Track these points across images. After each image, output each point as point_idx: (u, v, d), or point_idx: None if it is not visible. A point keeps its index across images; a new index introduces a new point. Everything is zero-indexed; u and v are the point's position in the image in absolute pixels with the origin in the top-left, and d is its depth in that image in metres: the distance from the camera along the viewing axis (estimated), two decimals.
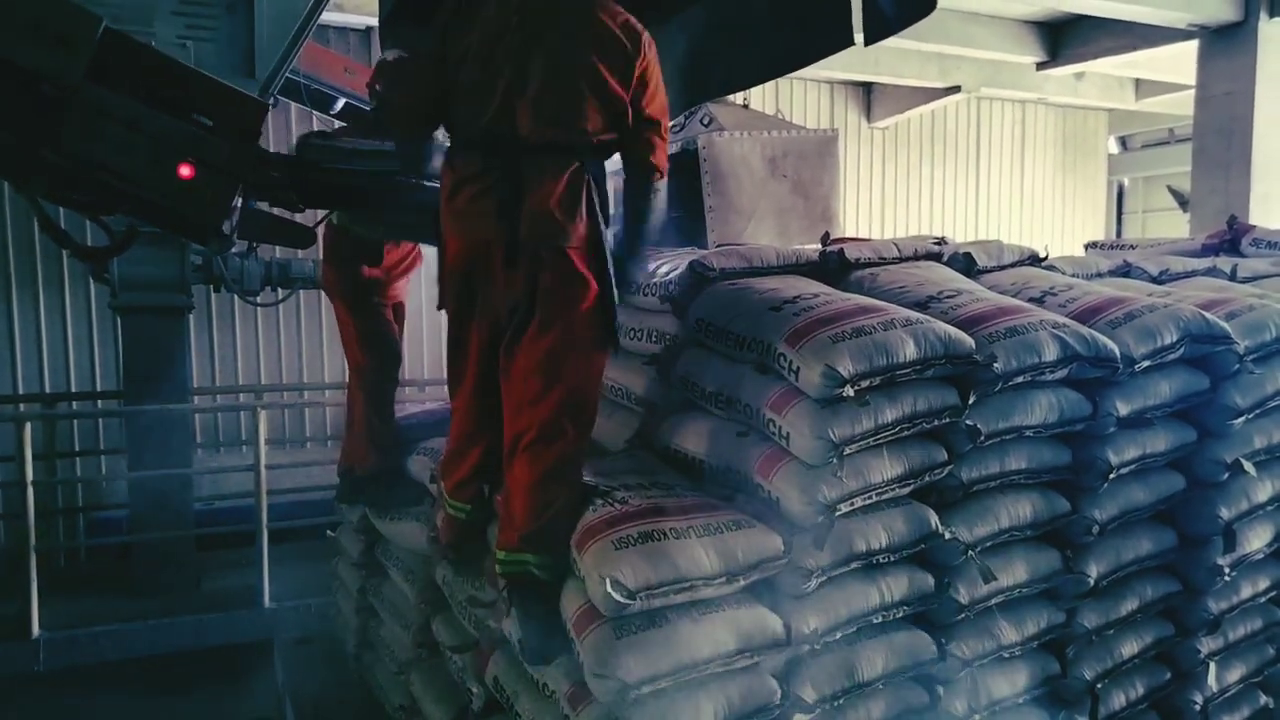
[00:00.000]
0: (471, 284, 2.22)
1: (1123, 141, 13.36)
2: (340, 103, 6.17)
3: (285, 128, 7.71)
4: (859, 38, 2.93)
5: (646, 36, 2.21)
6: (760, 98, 8.77)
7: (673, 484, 2.24)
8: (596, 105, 2.13)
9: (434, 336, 7.59)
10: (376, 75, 3.45)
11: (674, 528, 1.99)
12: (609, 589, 1.84)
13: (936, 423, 2.21)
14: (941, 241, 3.08)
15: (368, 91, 3.54)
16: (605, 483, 2.20)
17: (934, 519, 2.24)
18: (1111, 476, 2.48)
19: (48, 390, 7.23)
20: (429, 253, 3.55)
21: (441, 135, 2.44)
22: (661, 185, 2.34)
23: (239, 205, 2.43)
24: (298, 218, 3.03)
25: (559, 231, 2.11)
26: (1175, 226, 11.66)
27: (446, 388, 2.48)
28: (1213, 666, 2.80)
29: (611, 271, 2.19)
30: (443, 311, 2.38)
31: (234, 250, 5.98)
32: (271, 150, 2.76)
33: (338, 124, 6.22)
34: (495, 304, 2.19)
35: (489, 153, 2.14)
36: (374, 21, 6.75)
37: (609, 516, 2.03)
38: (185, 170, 2.21)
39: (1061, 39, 8.75)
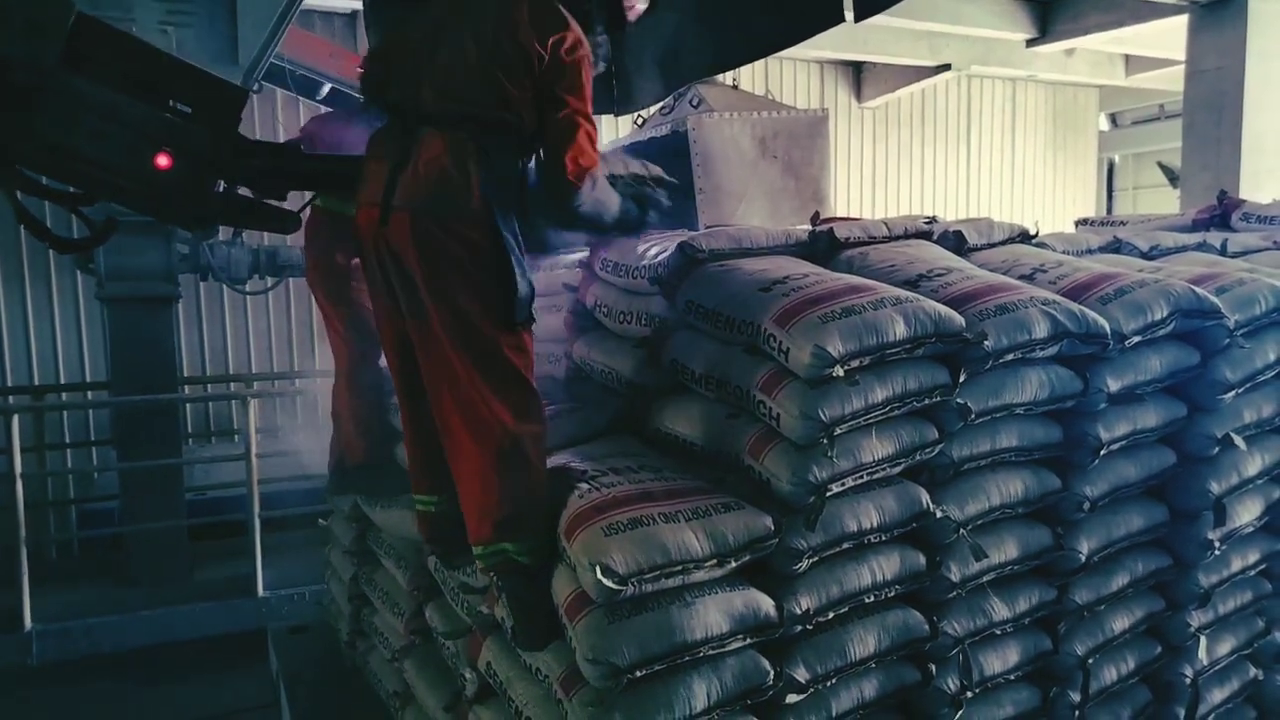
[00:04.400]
0: (366, 259, 2.18)
1: (1113, 118, 13.36)
2: (326, 88, 6.11)
3: (271, 114, 7.64)
4: (849, 15, 2.91)
5: (566, 27, 2.12)
6: (750, 78, 8.73)
7: (660, 467, 2.23)
8: (490, 78, 2.07)
9: None
10: None
11: (663, 512, 1.98)
12: (599, 576, 1.83)
13: (927, 401, 2.21)
14: (932, 220, 3.06)
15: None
16: (593, 467, 2.19)
17: (925, 498, 2.24)
18: (1102, 453, 2.48)
19: (36, 382, 7.19)
20: None
21: None
22: (583, 192, 2.19)
23: (220, 192, 2.40)
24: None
25: (434, 199, 2.04)
26: (1166, 202, 11.69)
27: None
28: (1203, 640, 2.82)
29: (511, 247, 2.07)
30: None
31: (219, 238, 5.95)
32: (256, 137, 2.74)
33: (324, 109, 6.17)
34: (387, 281, 2.13)
35: (394, 121, 2.16)
36: (359, 5, 6.68)
37: (597, 503, 2.02)
38: (163, 160, 2.17)
39: (1051, 15, 8.72)
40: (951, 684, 2.29)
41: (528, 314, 2.13)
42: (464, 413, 2.08)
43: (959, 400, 2.24)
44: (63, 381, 7.32)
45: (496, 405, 2.06)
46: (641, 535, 1.91)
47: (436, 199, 2.05)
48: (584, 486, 2.09)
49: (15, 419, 4.65)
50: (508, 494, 2.07)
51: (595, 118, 2.26)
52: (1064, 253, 3.06)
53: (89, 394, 7.20)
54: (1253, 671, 3.06)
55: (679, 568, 1.91)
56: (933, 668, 2.27)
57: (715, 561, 1.95)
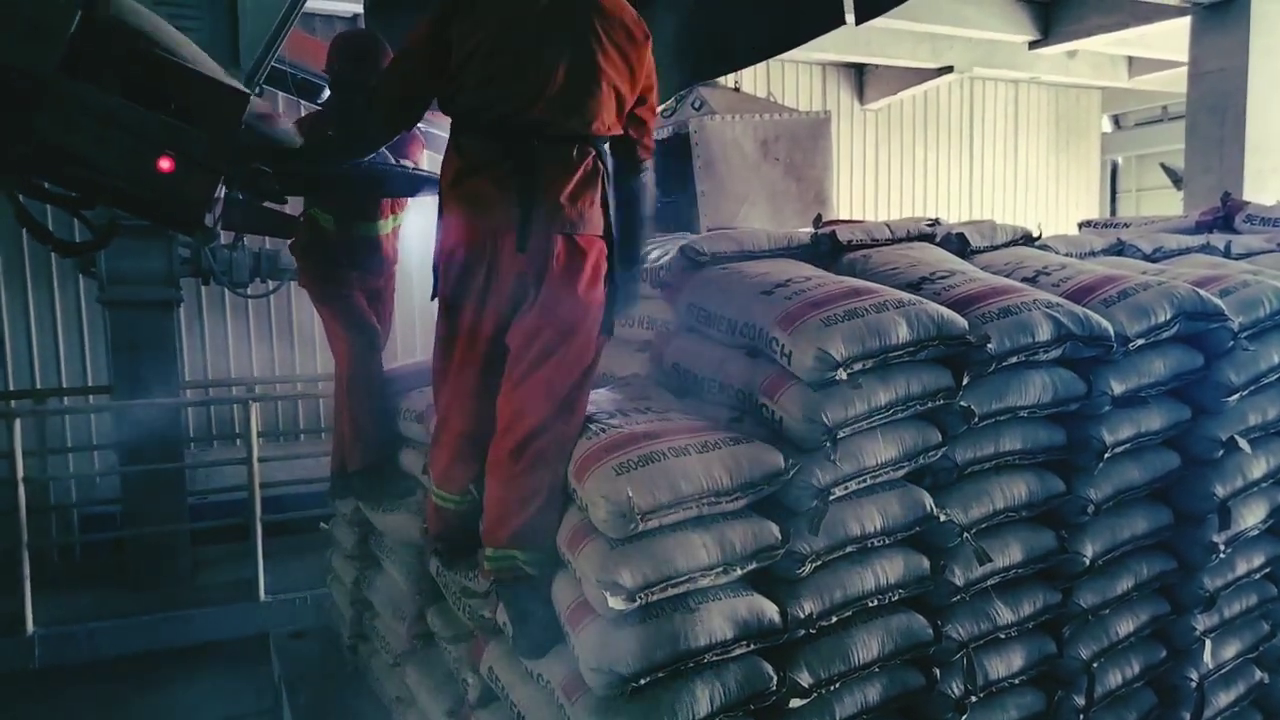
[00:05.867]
0: (472, 271, 2.19)
1: (1116, 120, 13.34)
2: (327, 91, 6.11)
3: None
4: (850, 17, 2.91)
5: (645, 29, 2.26)
6: (752, 80, 8.73)
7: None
8: (613, 98, 2.18)
9: (427, 329, 7.56)
10: (338, 55, 3.34)
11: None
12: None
13: (930, 404, 2.20)
14: (935, 223, 3.06)
15: (327, 70, 3.45)
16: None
17: (929, 501, 2.23)
18: (1106, 456, 2.47)
19: (38, 386, 7.19)
20: (411, 243, 3.53)
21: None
22: (650, 165, 2.40)
23: (221, 196, 2.40)
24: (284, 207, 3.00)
25: (574, 220, 2.14)
26: (1169, 204, 11.67)
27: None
28: (1208, 643, 2.80)
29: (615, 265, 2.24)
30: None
31: (220, 242, 5.96)
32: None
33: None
34: (499, 292, 2.17)
35: (507, 140, 2.14)
36: (360, 8, 6.68)
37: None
38: (165, 163, 2.17)
39: (1054, 17, 8.71)
40: (956, 688, 2.28)
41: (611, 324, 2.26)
42: (533, 415, 2.11)
43: (962, 403, 2.23)
44: (65, 385, 7.32)
45: (568, 414, 2.13)
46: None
47: (582, 221, 2.14)
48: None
49: (17, 423, 4.65)
50: (534, 500, 2.10)
51: None
52: (1067, 255, 3.05)
53: (91, 398, 7.20)
54: (1258, 675, 3.04)
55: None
56: (937, 672, 2.26)
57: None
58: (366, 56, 3.28)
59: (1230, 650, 2.92)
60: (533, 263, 2.12)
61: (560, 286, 2.12)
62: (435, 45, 2.16)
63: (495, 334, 2.22)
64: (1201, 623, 2.78)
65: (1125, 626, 2.64)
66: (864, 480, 2.13)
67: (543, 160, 2.11)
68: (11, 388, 7.11)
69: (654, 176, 2.42)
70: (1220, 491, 2.67)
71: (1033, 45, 8.94)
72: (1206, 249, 3.40)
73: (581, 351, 2.16)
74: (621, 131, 2.25)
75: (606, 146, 2.24)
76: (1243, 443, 2.68)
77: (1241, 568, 2.85)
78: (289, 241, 3.36)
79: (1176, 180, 11.26)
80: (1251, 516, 2.80)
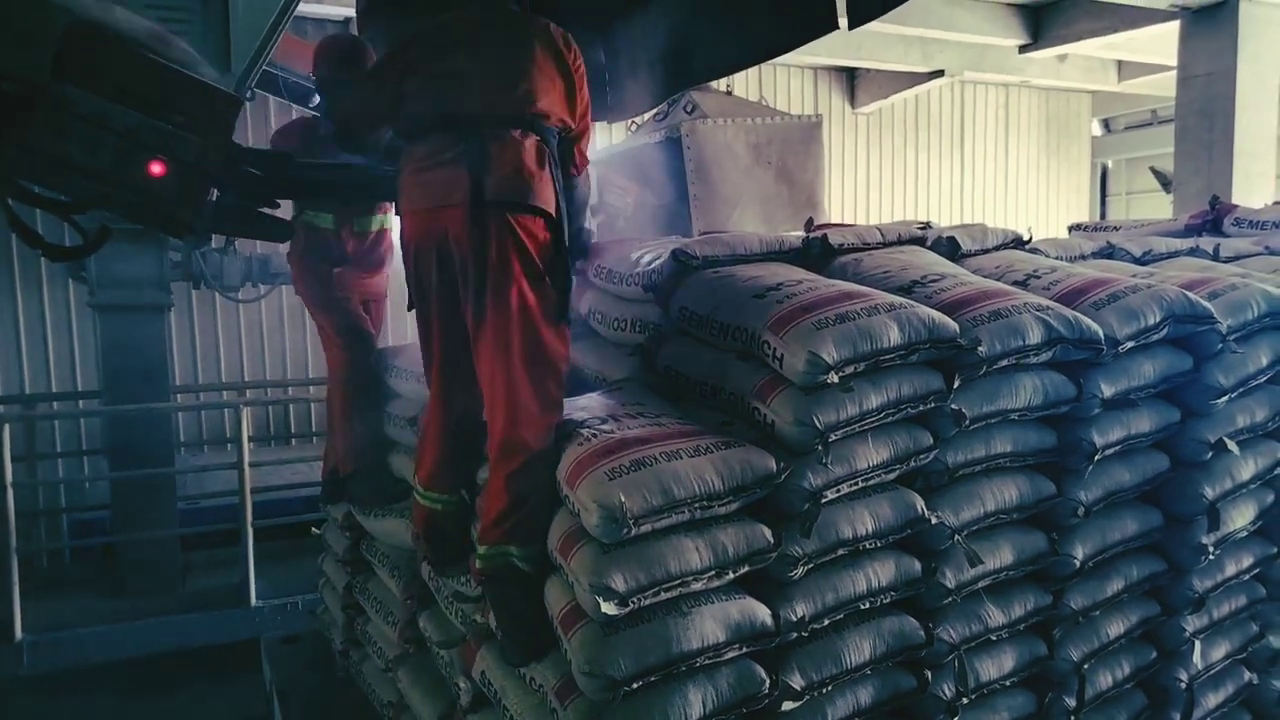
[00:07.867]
0: (431, 261, 2.25)
1: (1106, 124, 13.40)
2: (318, 97, 6.10)
3: (264, 121, 7.63)
4: (843, 22, 2.91)
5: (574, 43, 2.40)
6: (744, 84, 8.75)
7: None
8: (544, 88, 2.30)
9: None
10: (323, 59, 3.54)
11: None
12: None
13: (921, 408, 2.21)
14: (926, 226, 3.07)
15: (314, 73, 3.57)
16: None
17: (920, 504, 2.24)
18: (1096, 458, 2.48)
19: (27, 391, 7.16)
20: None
21: None
22: (577, 182, 2.55)
23: (213, 200, 2.40)
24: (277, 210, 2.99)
25: (524, 190, 2.20)
26: (1159, 208, 11.72)
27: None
28: (1198, 644, 2.82)
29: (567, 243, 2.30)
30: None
31: (212, 246, 5.94)
32: (249, 145, 2.73)
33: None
34: (451, 279, 2.23)
35: (452, 129, 2.23)
36: (352, 12, 6.67)
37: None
38: (156, 168, 2.17)
39: (1044, 21, 8.76)
40: (947, 690, 2.29)
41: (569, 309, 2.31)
42: (512, 404, 2.15)
43: (953, 406, 2.24)
44: (54, 390, 7.28)
45: (541, 398, 2.16)
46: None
47: (525, 196, 2.20)
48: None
49: (6, 428, 4.62)
50: (528, 491, 2.11)
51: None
52: (1057, 258, 3.07)
53: (80, 403, 7.16)
54: (1247, 675, 3.06)
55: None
56: (928, 674, 2.26)
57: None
58: (350, 59, 3.41)
59: (1219, 651, 2.93)
60: (490, 239, 2.16)
61: (514, 260, 2.17)
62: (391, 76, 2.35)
63: (459, 323, 2.28)
64: (1191, 624, 2.80)
65: (1116, 628, 2.65)
66: (856, 483, 2.14)
67: (490, 140, 2.19)
68: (1, 393, 7.07)
69: (583, 194, 2.64)
70: (1209, 493, 2.68)
71: (1023, 49, 8.99)
72: (1195, 252, 3.43)
73: (542, 331, 2.20)
74: (561, 122, 2.34)
75: (554, 133, 2.32)
76: (1231, 445, 2.70)
77: (1230, 569, 2.86)
78: (286, 249, 3.37)
79: (1166, 184, 11.32)
80: (1240, 518, 2.82)
